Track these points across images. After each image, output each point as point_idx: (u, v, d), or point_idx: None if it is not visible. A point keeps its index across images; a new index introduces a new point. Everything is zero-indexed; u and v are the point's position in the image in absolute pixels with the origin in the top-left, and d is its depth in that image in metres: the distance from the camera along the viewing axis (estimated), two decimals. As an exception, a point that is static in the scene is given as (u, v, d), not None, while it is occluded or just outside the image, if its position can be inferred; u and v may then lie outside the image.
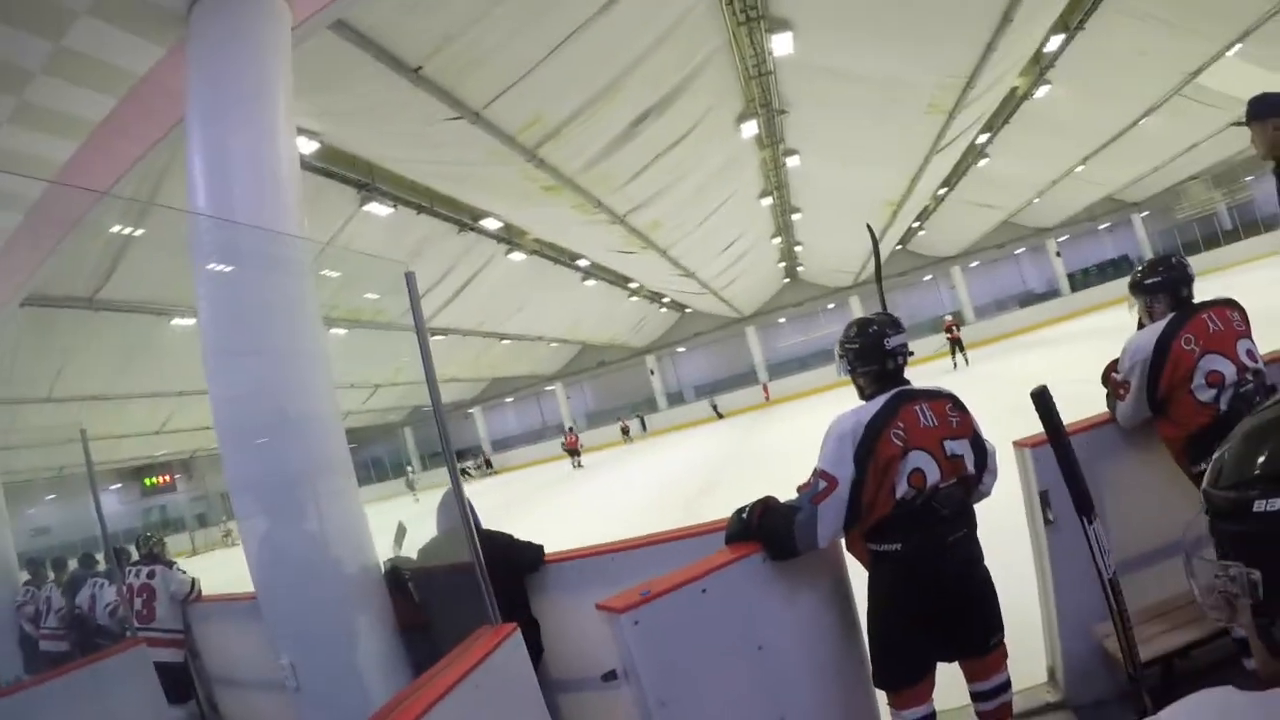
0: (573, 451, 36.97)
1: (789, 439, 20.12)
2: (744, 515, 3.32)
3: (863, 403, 3.24)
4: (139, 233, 14.36)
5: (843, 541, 3.34)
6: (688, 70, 13.52)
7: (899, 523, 3.05)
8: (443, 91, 10.82)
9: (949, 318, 32.29)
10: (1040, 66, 18.32)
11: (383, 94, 10.57)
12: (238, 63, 5.06)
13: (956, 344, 28.98)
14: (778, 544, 3.16)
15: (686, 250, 25.26)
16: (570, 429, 43.67)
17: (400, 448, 53.31)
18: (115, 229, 14.00)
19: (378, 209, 16.54)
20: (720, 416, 41.98)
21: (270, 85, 5.09)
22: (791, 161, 20.86)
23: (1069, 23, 15.78)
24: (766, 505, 3.27)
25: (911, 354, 3.34)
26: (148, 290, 17.36)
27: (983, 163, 25.71)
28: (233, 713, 6.65)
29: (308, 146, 12.51)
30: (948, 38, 13.16)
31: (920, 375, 3.47)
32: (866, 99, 15.87)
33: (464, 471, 41.08)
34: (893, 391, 3.19)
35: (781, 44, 13.12)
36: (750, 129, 17.47)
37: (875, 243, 4.56)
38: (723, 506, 3.82)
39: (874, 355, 3.28)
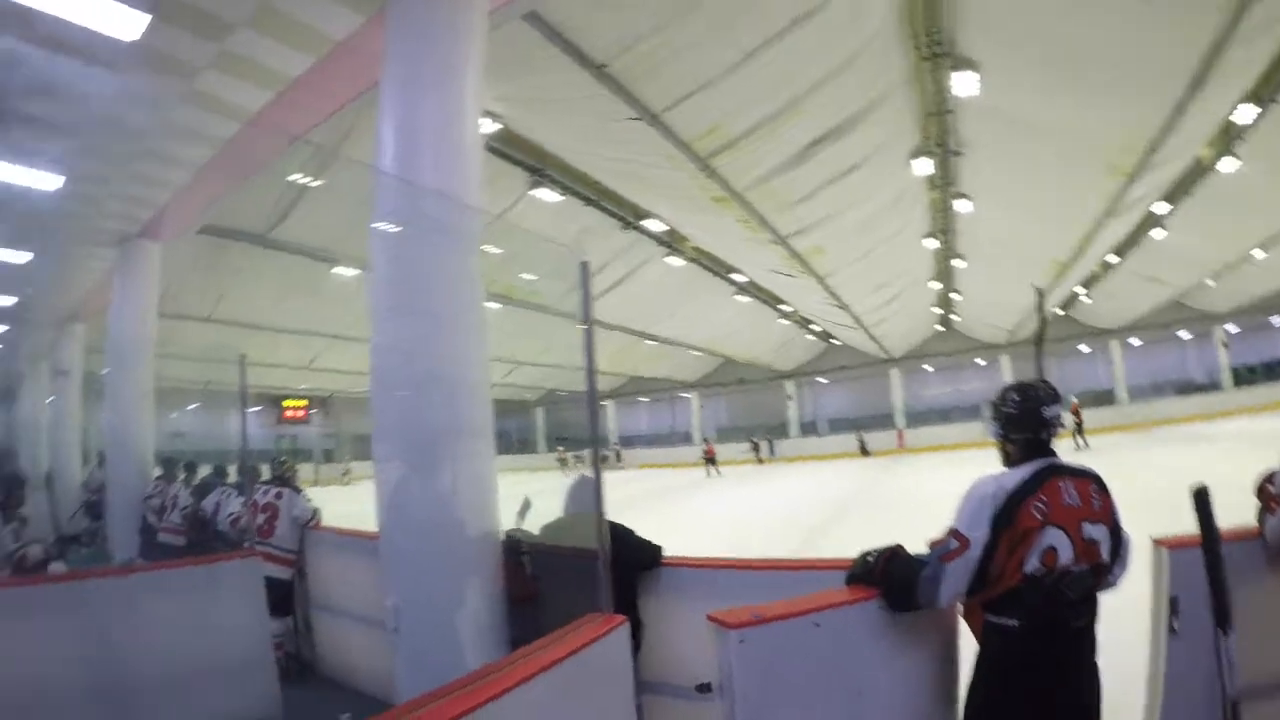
0: (710, 460, 36.84)
1: (917, 490, 19.68)
2: (870, 559, 3.25)
3: (1006, 469, 3.13)
4: (317, 183, 15.01)
5: (960, 607, 3.23)
6: (868, 99, 13.32)
7: (1022, 599, 2.91)
8: (625, 91, 11.02)
9: (1075, 400, 30.86)
10: (1229, 138, 17.00)
11: (566, 87, 10.85)
12: (434, 39, 5.36)
13: (1079, 425, 27.88)
14: (898, 594, 3.09)
15: (844, 281, 24.88)
16: (707, 440, 43.65)
17: (530, 425, 54.27)
18: (296, 177, 14.64)
19: (546, 195, 16.80)
20: (866, 454, 40.49)
21: (462, 64, 5.41)
22: (961, 205, 20.17)
23: (1263, 94, 14.55)
24: (894, 553, 3.21)
25: (1064, 425, 3.25)
26: (317, 237, 18.15)
27: (1158, 234, 23.89)
28: (324, 635, 7.05)
29: (487, 127, 12.74)
30: (1137, 96, 12.59)
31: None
32: (1046, 150, 15.30)
33: (563, 457, 41.51)
34: (1041, 463, 3.05)
35: (965, 84, 12.74)
36: (924, 167, 17.01)
37: (1042, 307, 4.39)
38: (839, 545, 3.82)
39: (1029, 423, 3.15)
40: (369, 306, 5.21)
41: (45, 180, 9.31)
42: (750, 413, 50.01)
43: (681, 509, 21.36)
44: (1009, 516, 2.90)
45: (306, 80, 7.35)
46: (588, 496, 4.52)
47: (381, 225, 5.19)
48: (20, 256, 12.46)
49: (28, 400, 25.27)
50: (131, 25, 6.29)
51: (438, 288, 4.97)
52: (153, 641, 5.26)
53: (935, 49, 12.33)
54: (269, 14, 6.39)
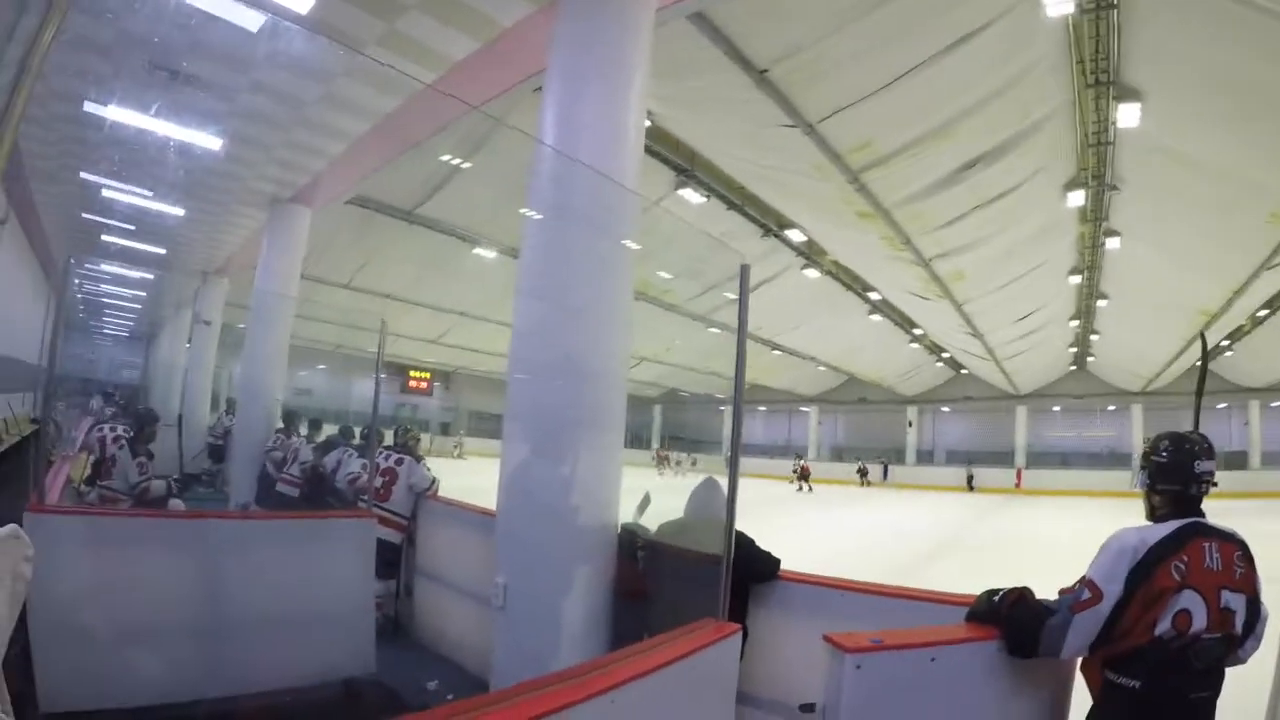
0: (804, 476, 36.74)
1: (1033, 532, 19.22)
2: (995, 599, 3.13)
3: (1149, 522, 2.99)
4: (466, 165, 15.35)
5: (1078, 660, 3.07)
6: (1025, 124, 12.99)
7: (1146, 661, 2.77)
8: (783, 98, 10.96)
9: None
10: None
11: (725, 90, 10.84)
12: (601, 32, 5.40)
13: None
14: (1021, 639, 2.96)
15: (982, 310, 24.35)
16: (799, 456, 43.35)
17: (647, 422, 54.57)
18: (446, 157, 15.06)
19: (691, 195, 16.94)
20: (971, 489, 39.83)
21: (628, 58, 5.41)
22: (1111, 243, 19.45)
23: None
24: (1021, 595, 3.07)
25: (1216, 484, 3.08)
26: (461, 218, 18.75)
27: None
28: (424, 602, 7.12)
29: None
30: None
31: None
32: (1205, 192, 14.55)
33: (664, 456, 41.57)
34: (1186, 520, 2.90)
35: (1127, 115, 12.22)
36: (1076, 199, 16.39)
37: (1205, 355, 4.19)
38: (947, 578, 3.69)
39: (1179, 475, 2.97)
40: (515, 288, 5.23)
41: (206, 140, 9.76)
42: (867, 434, 49.46)
43: (789, 523, 20.97)
44: (1147, 572, 2.76)
45: (469, 64, 7.47)
46: (712, 500, 4.50)
47: (535, 208, 5.22)
48: (175, 209, 13.01)
49: (166, 344, 26.36)
50: None
51: (585, 276, 4.98)
52: (260, 585, 5.37)
53: (1100, 76, 11.86)
54: (442, -2, 6.50)
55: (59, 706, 4.23)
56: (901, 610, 3.75)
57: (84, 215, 14.27)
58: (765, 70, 10.25)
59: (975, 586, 3.33)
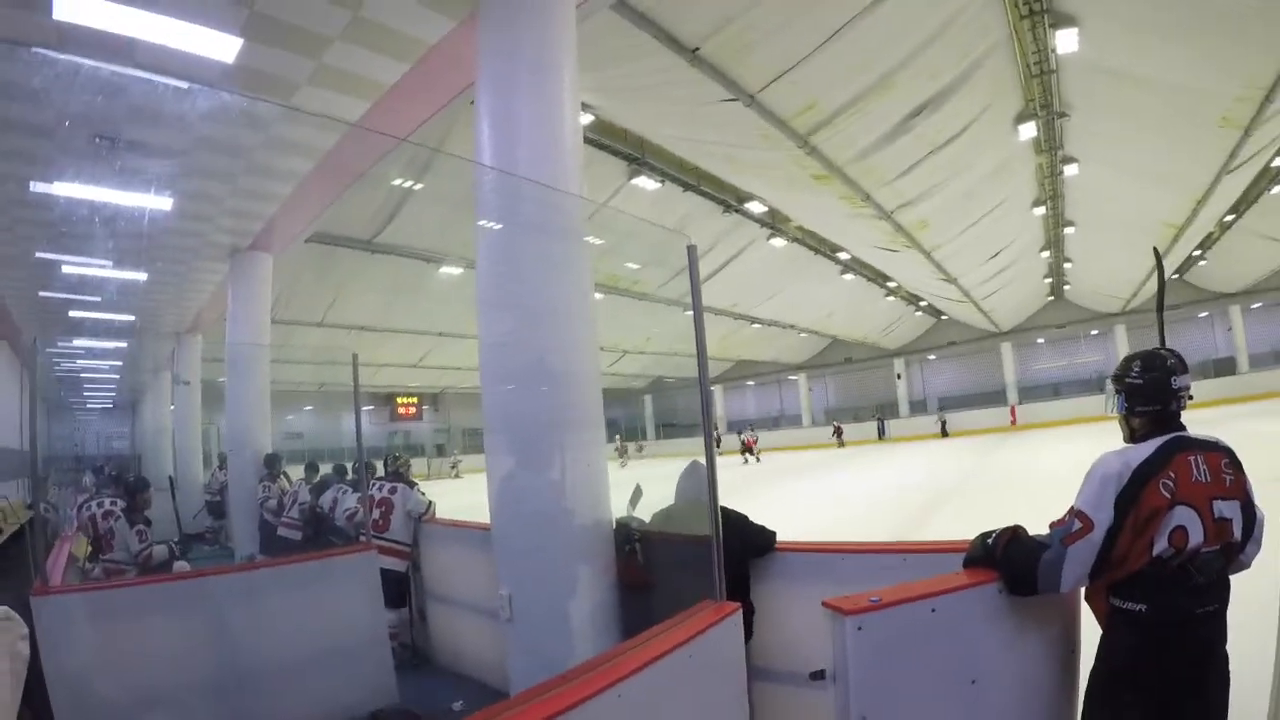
0: (748, 450, 36.81)
1: (1030, 468, 19.14)
2: (989, 541, 3.09)
3: (1130, 445, 2.95)
4: (418, 187, 15.54)
5: (1081, 591, 3.05)
6: (966, 64, 12.98)
7: (1149, 582, 2.76)
8: (719, 73, 10.99)
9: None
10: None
11: (660, 73, 10.86)
12: (526, 36, 5.41)
13: None
14: (1018, 578, 2.94)
15: (951, 254, 24.40)
16: (747, 430, 42.70)
17: (638, 413, 54.68)
18: (397, 182, 15.28)
19: (645, 183, 17.07)
20: (945, 435, 40.01)
21: (556, 58, 5.43)
22: (1069, 170, 19.46)
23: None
24: (1015, 534, 3.05)
25: (1192, 397, 3.08)
26: (421, 239, 18.83)
27: (1278, 189, 22.89)
28: (438, 625, 7.18)
29: (583, 119, 12.90)
30: (1248, 44, 11.79)
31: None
32: (1154, 107, 14.60)
33: (621, 445, 41.66)
34: (1168, 436, 2.88)
35: (1066, 40, 12.27)
36: (1028, 131, 16.41)
37: (1161, 269, 4.10)
38: (949, 526, 3.72)
39: (1157, 394, 2.96)
40: (477, 302, 5.26)
41: (157, 202, 9.81)
42: (859, 393, 49.60)
43: (786, 492, 20.88)
44: (1134, 495, 2.74)
45: (403, 86, 7.52)
46: (699, 482, 4.49)
47: (483, 221, 5.24)
48: (137, 275, 13.04)
49: (150, 409, 26.33)
50: (226, 48, 6.57)
51: (542, 280, 5.00)
52: (273, 633, 5.42)
53: (1033, 5, 11.86)
54: (361, 25, 6.56)
55: None
56: (902, 566, 3.75)
57: (45, 294, 14.25)
58: (696, 49, 10.26)
59: (976, 532, 3.27)
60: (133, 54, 6.41)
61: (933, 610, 2.87)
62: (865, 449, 38.49)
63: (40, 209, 9.70)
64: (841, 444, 41.92)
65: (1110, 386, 3.19)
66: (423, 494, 7.64)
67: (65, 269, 12.49)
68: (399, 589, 7.09)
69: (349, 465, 10.00)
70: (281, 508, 10.27)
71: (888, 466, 26.40)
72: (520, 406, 4.95)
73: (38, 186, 8.98)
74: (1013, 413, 41.25)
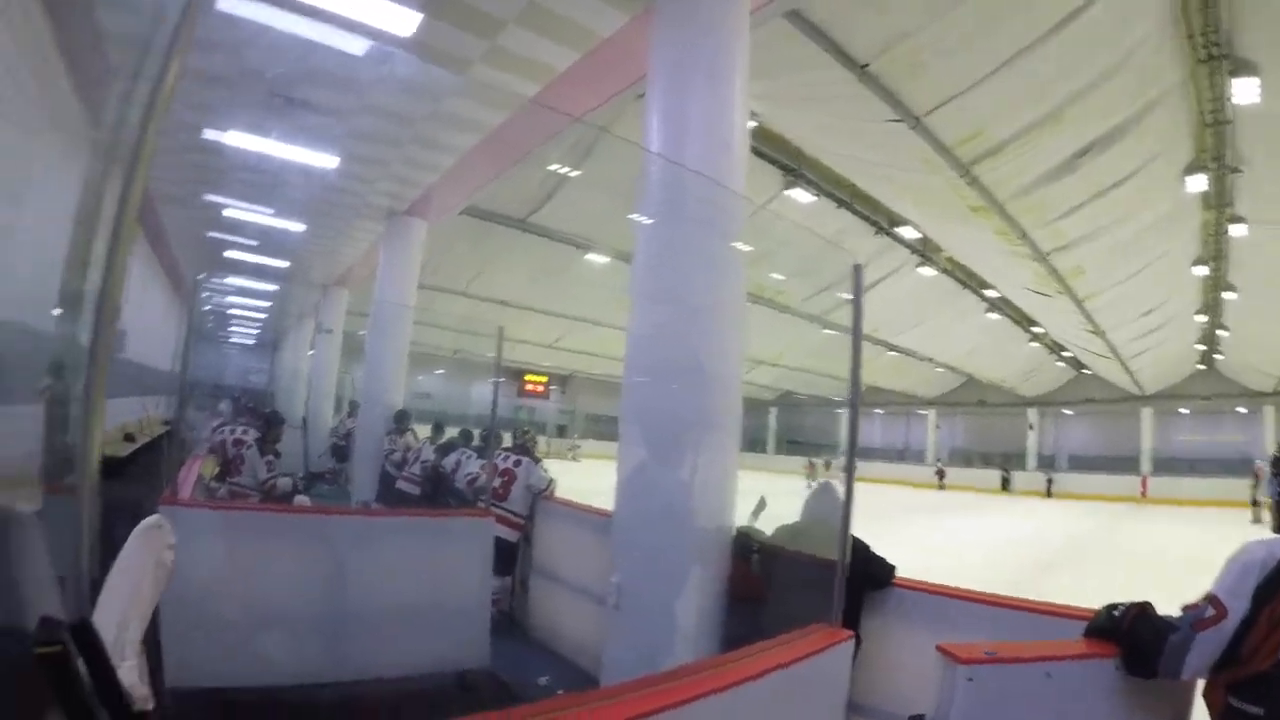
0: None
1: (1161, 546, 18.36)
2: (1115, 613, 2.93)
3: (1278, 535, 2.75)
4: (575, 173, 15.63)
5: (1199, 683, 2.82)
6: (1139, 105, 12.29)
7: (1273, 685, 2.51)
8: (886, 91, 10.81)
9: (1259, 463, 27.79)
10: None
11: (827, 86, 10.74)
12: (700, 36, 5.44)
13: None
14: (1139, 656, 2.77)
15: (1103, 306, 23.23)
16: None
17: (762, 425, 54.25)
18: (556, 166, 15.39)
19: (800, 195, 16.78)
20: (1049, 495, 38.26)
21: (729, 61, 5.44)
22: (1236, 230, 17.89)
23: None
24: (1143, 610, 2.87)
25: None
26: (572, 224, 19.02)
27: None
28: (539, 599, 7.28)
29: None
30: None
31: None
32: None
33: (811, 463, 41.04)
34: None
35: (1245, 90, 11.39)
36: (1197, 184, 15.20)
37: None
38: (1063, 590, 3.60)
39: None
40: (630, 292, 5.30)
41: (324, 160, 10.27)
42: (987, 437, 47.79)
43: (903, 530, 20.49)
44: (1274, 589, 2.55)
45: (572, 74, 7.63)
46: (829, 505, 4.51)
47: (646, 212, 5.29)
48: (296, 225, 13.56)
49: (290, 351, 27.25)
50: (406, 22, 6.79)
51: (699, 278, 4.99)
52: (382, 578, 5.60)
53: (1211, 50, 11.06)
54: (536, 11, 6.70)
55: (184, 683, 4.43)
56: (1017, 622, 3.67)
57: (209, 235, 14.93)
58: (866, 65, 10.12)
59: (1094, 601, 3.17)
60: (314, 19, 6.68)
61: (1047, 674, 2.76)
62: (984, 498, 37.17)
63: (210, 155, 10.24)
64: (941, 486, 40.99)
65: (1268, 470, 3.03)
66: (545, 470, 7.77)
67: (227, 212, 13.11)
68: (508, 558, 7.23)
69: (475, 432, 10.21)
70: (404, 462, 10.58)
71: (1005, 516, 25.84)
72: (661, 401, 4.96)
73: (210, 133, 9.45)
74: (1144, 483, 38.58)
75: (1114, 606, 2.97)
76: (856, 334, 3.95)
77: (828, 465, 39.92)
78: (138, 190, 1.76)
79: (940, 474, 41.91)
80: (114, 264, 1.70)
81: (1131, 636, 2.82)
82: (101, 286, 1.68)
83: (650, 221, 5.28)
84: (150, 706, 1.31)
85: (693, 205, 5.09)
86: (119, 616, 1.31)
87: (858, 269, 4.02)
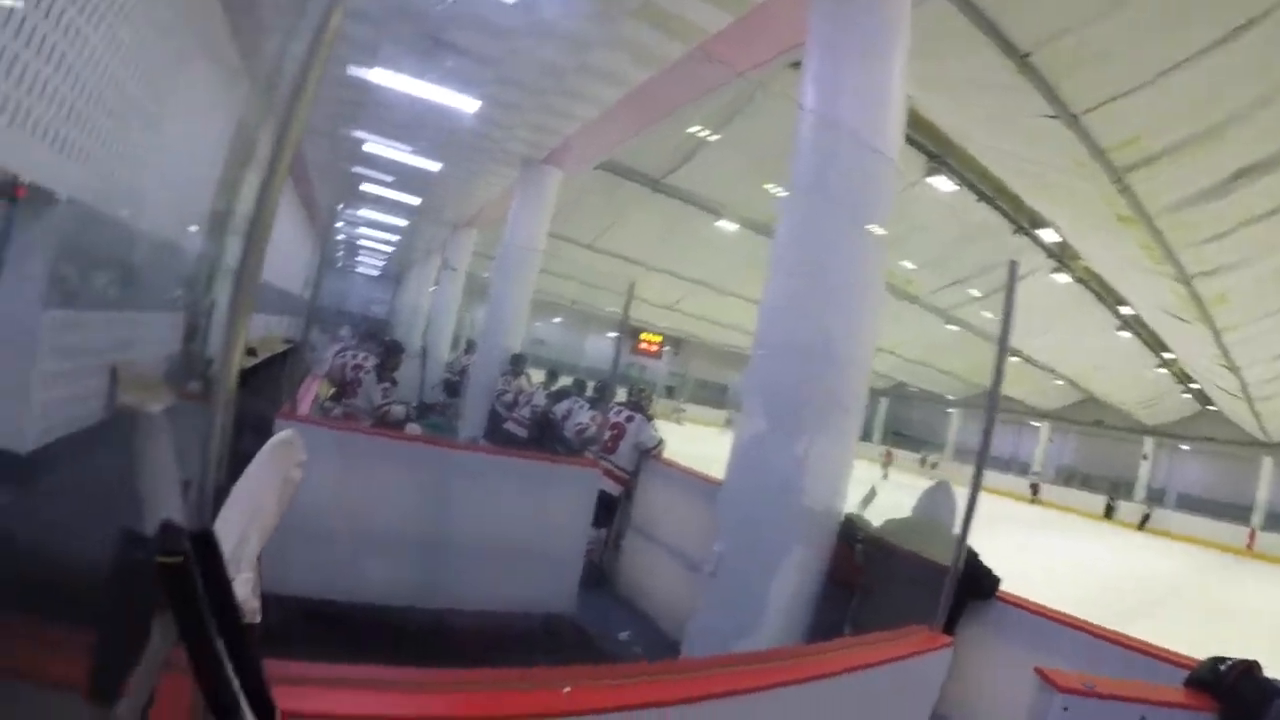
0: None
1: (1261, 604, 17.80)
2: (1221, 668, 2.87)
3: None
4: (715, 138, 15.43)
5: None
6: None
7: None
8: (1045, 85, 10.36)
9: None
10: None
11: (984, 73, 10.35)
12: (861, 9, 5.24)
13: None
14: (1240, 716, 2.74)
15: (1241, 340, 21.62)
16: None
17: (871, 413, 53.43)
18: (696, 129, 15.22)
19: (942, 183, 16.39)
20: (1141, 529, 36.37)
21: (890, 36, 5.24)
22: None
23: None
24: (1250, 669, 2.83)
25: None
26: (706, 189, 18.92)
27: None
28: (631, 556, 7.29)
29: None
30: None
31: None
32: None
33: (924, 461, 40.42)
34: None
35: None
36: None
37: None
38: (1154, 633, 3.47)
39: None
40: (770, 264, 5.14)
41: (466, 103, 10.33)
42: (1097, 460, 45.54)
43: (996, 540, 20.13)
44: None
45: (724, 36, 7.49)
46: (944, 505, 4.49)
47: (795, 182, 5.13)
48: (432, 164, 13.79)
49: (414, 285, 27.87)
50: None
51: (841, 255, 4.86)
52: (483, 515, 5.70)
53: None
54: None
55: (278, 589, 4.58)
56: (1113, 656, 3.52)
57: (349, 168, 15.29)
58: (1027, 54, 9.73)
59: (1183, 650, 3.15)
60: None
61: (1142, 717, 2.70)
62: (1083, 521, 36.05)
63: (355, 90, 10.44)
64: (1034, 500, 40.00)
65: None
66: (656, 429, 7.78)
67: (367, 147, 13.38)
68: (608, 511, 7.24)
69: (589, 383, 10.28)
70: (515, 405, 10.75)
71: (1101, 544, 25.37)
72: (786, 377, 4.86)
73: (355, 69, 9.61)
74: (1251, 536, 35.56)
75: (1220, 660, 2.91)
76: (1004, 334, 3.82)
77: (934, 464, 39.36)
78: (298, 125, 1.78)
79: (1035, 488, 40.69)
80: (270, 190, 1.72)
81: (1235, 694, 2.76)
82: (255, 211, 1.71)
83: (797, 192, 5.15)
84: (258, 620, 1.32)
85: (842, 178, 4.91)
86: (240, 529, 1.33)
87: (1013, 265, 3.90)
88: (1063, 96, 10.53)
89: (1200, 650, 3.10)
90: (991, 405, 3.98)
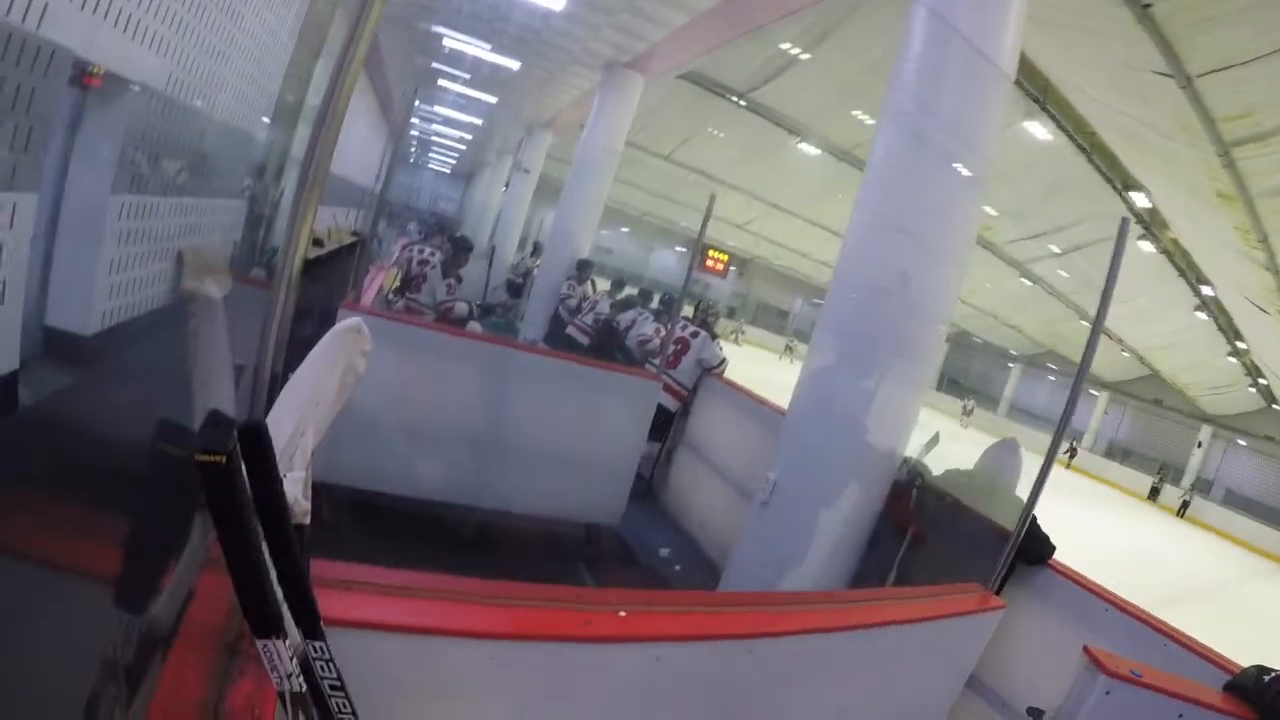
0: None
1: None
2: (1265, 679, 2.78)
3: None
4: (805, 56, 15.06)
5: None
6: None
7: None
8: (1165, 41, 9.86)
9: None
10: None
11: (1100, 19, 9.90)
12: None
13: None
14: None
15: None
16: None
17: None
18: (787, 46, 14.87)
19: (1038, 129, 15.84)
20: (1181, 515, 35.07)
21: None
22: None
23: None
24: None
25: None
26: (791, 108, 18.56)
27: None
28: (681, 473, 7.31)
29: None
30: None
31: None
32: None
33: (965, 410, 39.97)
34: None
35: None
36: None
37: None
38: (1181, 625, 3.35)
39: None
40: (857, 199, 4.81)
41: (552, 0, 10.13)
42: (1151, 440, 44.28)
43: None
44: None
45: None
46: (1009, 463, 4.40)
47: (893, 104, 4.72)
48: (511, 63, 13.63)
49: (484, 185, 27.89)
50: None
51: (933, 207, 4.60)
52: (540, 418, 5.72)
53: None
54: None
55: (343, 481, 4.76)
56: (1154, 645, 3.39)
57: (427, 63, 15.14)
58: (1149, 4, 9.30)
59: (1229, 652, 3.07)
60: None
61: (1180, 715, 2.65)
62: (1126, 500, 35.50)
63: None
64: (1069, 465, 38.79)
65: None
66: (720, 349, 7.71)
67: (446, 41, 13.22)
68: (663, 426, 7.21)
69: (655, 294, 10.20)
70: (579, 310, 10.73)
71: (1145, 526, 25.33)
72: (864, 318, 4.67)
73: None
74: None
75: (1265, 670, 2.83)
76: (1105, 297, 3.61)
77: (969, 412, 38.99)
78: (374, 17, 1.69)
79: (1072, 452, 39.49)
80: (342, 83, 1.63)
81: (1276, 709, 2.69)
82: (324, 102, 1.63)
83: (896, 112, 4.72)
84: (308, 521, 1.25)
85: (952, 94, 4.60)
86: (296, 420, 1.26)
87: (1125, 223, 3.66)
88: (1180, 54, 10.00)
89: (1240, 657, 3.05)
90: (1081, 375, 3.82)
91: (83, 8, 3.97)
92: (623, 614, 2.07)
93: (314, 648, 1.09)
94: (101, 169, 4.93)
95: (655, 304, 9.93)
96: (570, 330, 10.46)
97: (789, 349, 40.54)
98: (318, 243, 9.95)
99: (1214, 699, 2.75)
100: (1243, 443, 39.66)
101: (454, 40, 13.23)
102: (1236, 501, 37.15)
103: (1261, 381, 32.71)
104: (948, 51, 4.57)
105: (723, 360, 7.62)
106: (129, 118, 4.99)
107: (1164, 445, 42.18)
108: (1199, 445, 40.61)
